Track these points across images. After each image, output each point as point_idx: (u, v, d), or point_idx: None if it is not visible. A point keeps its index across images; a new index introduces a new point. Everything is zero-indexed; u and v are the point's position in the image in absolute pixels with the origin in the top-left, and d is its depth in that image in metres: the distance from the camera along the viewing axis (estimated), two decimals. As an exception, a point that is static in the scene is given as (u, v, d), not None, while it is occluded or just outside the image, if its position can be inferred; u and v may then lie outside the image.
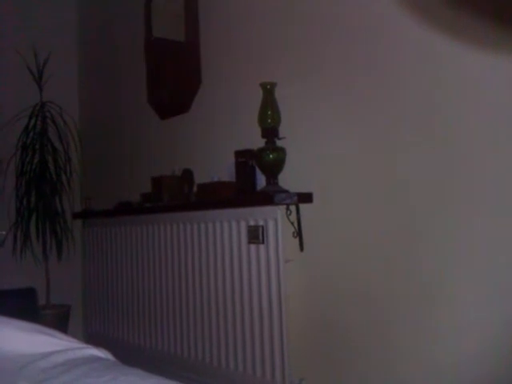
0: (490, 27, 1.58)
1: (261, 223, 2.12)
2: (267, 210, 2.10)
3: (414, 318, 1.80)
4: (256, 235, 2.13)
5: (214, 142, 2.61)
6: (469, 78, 1.66)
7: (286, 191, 2.10)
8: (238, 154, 2.28)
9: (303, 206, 2.13)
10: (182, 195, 2.59)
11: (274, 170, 2.14)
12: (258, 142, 2.17)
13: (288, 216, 2.12)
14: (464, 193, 1.67)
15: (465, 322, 1.67)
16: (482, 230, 1.63)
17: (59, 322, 3.11)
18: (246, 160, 2.25)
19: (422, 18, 1.74)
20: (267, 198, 2.07)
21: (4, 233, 3.21)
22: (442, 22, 1.73)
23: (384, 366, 1.88)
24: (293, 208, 2.13)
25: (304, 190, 2.11)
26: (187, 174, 2.62)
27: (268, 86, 2.17)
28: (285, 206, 2.11)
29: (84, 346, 1.23)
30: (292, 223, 2.13)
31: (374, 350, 1.91)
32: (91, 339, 3.12)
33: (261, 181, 2.23)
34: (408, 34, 1.80)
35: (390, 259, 1.87)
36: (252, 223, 2.16)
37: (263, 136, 2.16)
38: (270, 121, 2.14)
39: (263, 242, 2.11)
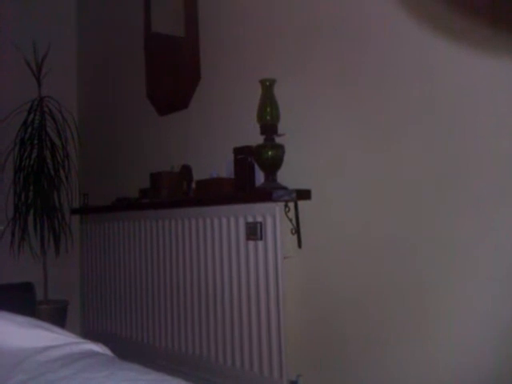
0: (488, 28, 1.58)
1: (259, 220, 2.12)
2: (266, 206, 2.10)
3: (413, 313, 1.80)
4: (254, 232, 2.13)
5: (213, 138, 2.61)
6: (468, 78, 1.66)
7: (285, 188, 2.10)
8: (237, 150, 2.29)
9: (302, 203, 2.13)
10: (180, 191, 2.59)
11: (272, 166, 2.14)
12: (256, 138, 2.17)
13: (286, 213, 2.12)
14: (464, 193, 1.67)
15: (465, 323, 1.66)
16: (482, 230, 1.62)
17: (57, 317, 3.11)
18: (244, 157, 2.25)
19: (421, 19, 1.74)
20: (266, 194, 2.07)
21: (2, 227, 3.21)
22: (441, 24, 1.73)
23: (381, 363, 1.88)
24: (291, 205, 2.14)
25: (302, 186, 2.11)
26: (186, 170, 2.62)
27: (267, 83, 2.17)
28: (283, 203, 2.11)
29: (82, 340, 1.23)
30: (290, 220, 2.13)
31: (371, 346, 1.91)
32: (89, 334, 3.12)
33: (259, 177, 2.23)
34: (408, 34, 1.80)
35: (388, 257, 1.87)
36: (250, 220, 2.16)
37: (262, 133, 2.16)
38: (268, 118, 2.14)
39: (261, 239, 2.11)
